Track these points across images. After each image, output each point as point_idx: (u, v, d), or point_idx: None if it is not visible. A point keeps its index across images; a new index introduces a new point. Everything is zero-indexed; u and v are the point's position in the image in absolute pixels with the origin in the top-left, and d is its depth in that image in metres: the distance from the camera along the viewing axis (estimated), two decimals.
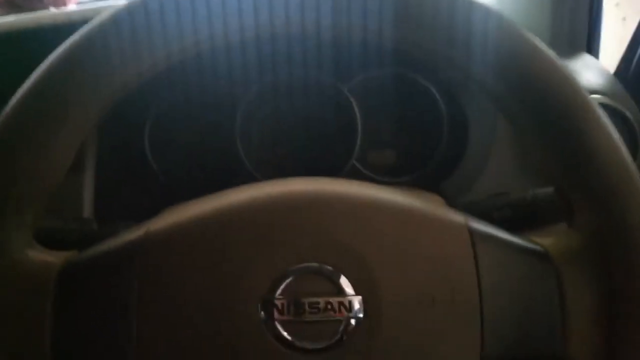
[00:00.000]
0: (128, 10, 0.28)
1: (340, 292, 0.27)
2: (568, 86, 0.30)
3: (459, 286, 0.28)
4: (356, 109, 0.57)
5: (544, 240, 0.31)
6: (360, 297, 0.27)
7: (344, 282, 0.28)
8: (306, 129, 0.61)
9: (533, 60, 0.30)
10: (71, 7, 0.79)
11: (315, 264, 0.28)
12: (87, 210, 0.51)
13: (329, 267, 0.28)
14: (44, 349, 0.27)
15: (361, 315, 0.27)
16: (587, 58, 0.67)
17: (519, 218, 0.42)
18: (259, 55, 0.53)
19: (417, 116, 0.59)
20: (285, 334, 0.27)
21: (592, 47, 0.70)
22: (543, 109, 0.30)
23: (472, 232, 0.30)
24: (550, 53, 0.30)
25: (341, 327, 0.27)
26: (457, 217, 0.30)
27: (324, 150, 0.61)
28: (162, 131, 0.58)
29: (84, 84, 0.28)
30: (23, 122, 0.28)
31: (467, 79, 0.31)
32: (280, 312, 0.27)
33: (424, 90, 0.57)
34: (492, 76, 0.30)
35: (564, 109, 0.29)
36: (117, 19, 0.28)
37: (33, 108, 0.28)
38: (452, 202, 0.34)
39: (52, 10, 0.73)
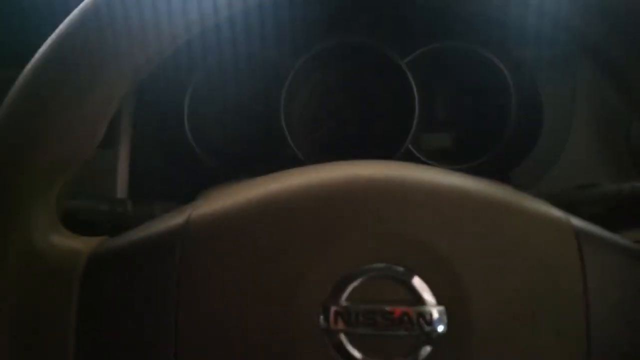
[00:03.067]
0: None
1: (419, 300, 0.23)
2: None
3: (563, 297, 0.24)
4: (414, 86, 0.53)
5: None
6: (442, 308, 0.24)
7: (424, 288, 0.24)
8: (357, 106, 0.58)
9: None
10: None
11: (389, 265, 0.24)
12: (121, 190, 0.49)
13: (407, 270, 0.24)
14: (67, 350, 0.25)
15: (442, 328, 0.23)
16: None
17: (613, 215, 0.37)
18: (304, 21, 0.50)
19: (482, 97, 0.55)
20: (350, 347, 0.23)
21: None
22: None
23: (577, 232, 0.25)
24: None
25: (419, 343, 0.23)
26: (559, 213, 0.26)
27: (376, 130, 0.57)
28: (201, 106, 0.55)
29: (109, 48, 0.25)
30: (43, 85, 0.25)
31: (553, 26, 0.26)
32: (346, 321, 0.23)
33: (492, 67, 0.53)
34: (586, 19, 0.25)
35: None
36: None
37: (54, 71, 0.25)
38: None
39: None
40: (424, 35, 0.54)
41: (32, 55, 0.26)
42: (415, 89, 0.53)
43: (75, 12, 0.25)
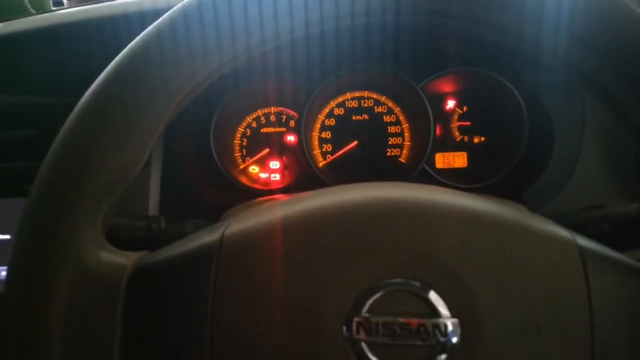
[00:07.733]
0: (199, 5, 0.27)
1: (435, 313, 0.24)
2: None
3: (568, 312, 0.25)
4: (429, 109, 0.54)
5: None
6: (456, 320, 0.24)
7: (439, 302, 0.25)
8: (375, 128, 0.59)
9: (633, 27, 0.25)
10: None
11: (407, 280, 0.25)
12: (153, 207, 0.50)
13: (424, 285, 0.25)
14: (113, 354, 0.26)
15: (456, 340, 0.24)
16: None
17: (619, 235, 0.37)
18: (328, 49, 0.50)
19: (495, 118, 0.55)
20: (370, 355, 0.24)
21: None
22: None
23: (582, 250, 0.26)
24: None
25: (434, 353, 0.24)
26: (565, 233, 0.27)
27: (393, 151, 0.58)
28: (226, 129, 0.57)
29: (158, 82, 0.27)
30: (99, 114, 0.26)
31: (552, 58, 0.27)
32: (367, 332, 0.24)
33: (504, 90, 0.53)
34: (581, 49, 0.26)
35: None
36: (188, 14, 0.27)
37: (109, 102, 0.26)
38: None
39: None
40: (441, 61, 0.55)
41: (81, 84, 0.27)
42: (430, 112, 0.54)
43: (128, 47, 0.27)
